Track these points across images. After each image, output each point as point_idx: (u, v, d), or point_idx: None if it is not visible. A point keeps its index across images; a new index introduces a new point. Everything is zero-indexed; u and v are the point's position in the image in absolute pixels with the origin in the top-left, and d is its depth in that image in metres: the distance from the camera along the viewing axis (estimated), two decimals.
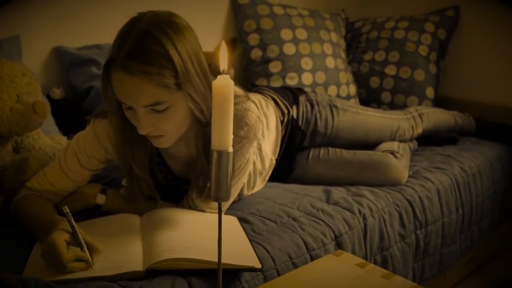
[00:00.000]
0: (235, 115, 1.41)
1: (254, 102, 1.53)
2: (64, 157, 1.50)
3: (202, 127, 1.42)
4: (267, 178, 1.81)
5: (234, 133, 1.39)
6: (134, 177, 1.47)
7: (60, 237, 1.17)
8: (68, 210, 1.20)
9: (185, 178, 1.55)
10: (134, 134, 1.39)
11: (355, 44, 2.94)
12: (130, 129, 1.38)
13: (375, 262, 1.69)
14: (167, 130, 1.35)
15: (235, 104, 1.41)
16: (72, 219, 1.20)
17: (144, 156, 1.47)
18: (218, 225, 1.00)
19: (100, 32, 2.28)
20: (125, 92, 1.27)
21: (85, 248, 1.19)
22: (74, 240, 1.20)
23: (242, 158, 1.48)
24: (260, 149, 1.70)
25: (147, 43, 1.23)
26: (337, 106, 2.00)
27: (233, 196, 1.57)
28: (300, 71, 2.60)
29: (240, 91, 1.49)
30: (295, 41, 2.64)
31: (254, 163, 1.67)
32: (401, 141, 2.13)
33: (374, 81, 2.78)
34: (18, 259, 1.26)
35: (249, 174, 1.66)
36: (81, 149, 1.48)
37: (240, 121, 1.44)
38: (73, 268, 1.17)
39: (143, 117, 1.29)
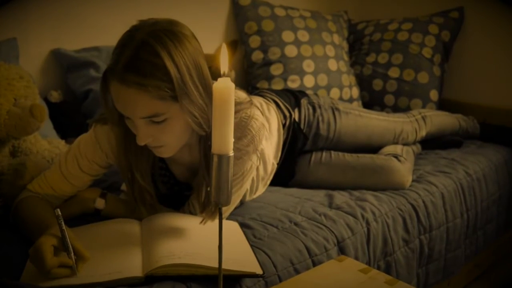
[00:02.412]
0: (239, 123, 1.41)
1: (257, 107, 1.52)
2: (64, 161, 1.50)
3: (203, 137, 1.41)
4: (268, 182, 1.81)
5: (237, 141, 1.39)
6: (135, 186, 1.46)
7: (47, 242, 1.17)
8: (59, 213, 1.20)
9: (188, 183, 1.55)
10: (134, 143, 1.38)
11: (357, 46, 2.94)
12: (132, 138, 1.37)
13: (378, 268, 1.69)
14: (167, 141, 1.34)
15: (238, 111, 1.41)
16: (63, 223, 1.19)
17: (146, 164, 1.47)
18: (219, 230, 1.00)
19: (98, 34, 2.28)
20: (122, 103, 1.27)
21: (72, 254, 1.18)
22: (63, 245, 1.19)
23: (245, 165, 1.47)
24: (262, 153, 1.70)
25: (144, 55, 1.22)
26: (340, 109, 2.00)
27: (235, 202, 1.57)
28: (302, 73, 2.61)
29: (243, 95, 1.49)
30: (297, 43, 2.64)
31: (257, 169, 1.67)
32: (404, 144, 2.13)
33: (377, 84, 2.78)
34: (17, 264, 1.26)
35: (252, 180, 1.66)
36: (82, 153, 1.48)
37: (244, 129, 1.44)
38: (57, 274, 1.16)
39: (142, 128, 1.29)
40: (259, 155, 1.53)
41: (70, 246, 1.19)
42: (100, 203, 1.53)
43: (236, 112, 1.40)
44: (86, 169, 1.50)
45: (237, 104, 1.41)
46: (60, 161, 1.51)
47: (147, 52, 1.23)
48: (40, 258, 1.15)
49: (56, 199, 1.51)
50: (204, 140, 1.40)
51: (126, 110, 1.28)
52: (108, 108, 1.35)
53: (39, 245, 1.17)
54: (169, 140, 1.34)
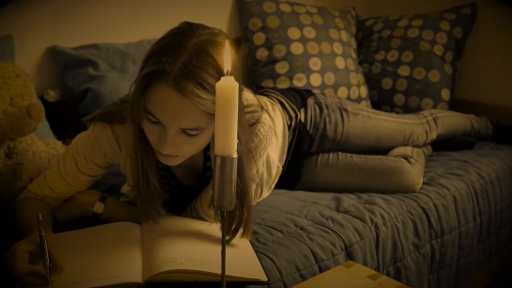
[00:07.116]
0: (245, 127, 1.40)
1: (265, 110, 1.52)
2: (63, 161, 1.50)
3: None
4: (273, 186, 1.80)
5: (244, 144, 1.39)
6: (144, 188, 1.41)
7: (23, 247, 1.17)
8: (41, 219, 1.17)
9: (191, 185, 1.55)
10: (149, 145, 1.35)
11: (366, 44, 2.93)
12: (145, 140, 1.34)
13: (388, 274, 1.69)
14: (185, 152, 1.33)
15: (248, 112, 1.41)
16: (43, 229, 1.16)
17: (155, 166, 1.44)
18: (222, 235, 1.00)
19: (97, 31, 2.28)
20: (167, 109, 1.23)
21: (47, 263, 1.15)
22: (40, 252, 1.17)
23: (250, 170, 1.47)
24: (267, 157, 1.69)
25: (206, 66, 1.20)
26: (348, 110, 2.00)
27: None
28: (308, 72, 2.61)
29: (253, 99, 1.48)
30: (303, 40, 2.64)
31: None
32: (414, 146, 2.13)
33: (387, 83, 2.78)
34: None
35: (256, 184, 1.65)
36: (80, 153, 1.48)
37: (252, 132, 1.44)
38: (27, 282, 1.15)
39: (172, 137, 1.26)
40: (264, 160, 1.53)
41: (47, 254, 1.15)
42: (98, 207, 1.54)
43: (246, 117, 1.40)
44: (84, 169, 1.50)
45: (247, 106, 1.41)
46: (59, 161, 1.51)
47: (209, 64, 1.21)
48: (12, 263, 1.14)
49: (55, 200, 1.52)
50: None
51: (167, 116, 1.24)
52: (136, 107, 1.28)
53: (14, 250, 1.16)
54: (188, 151, 1.33)
